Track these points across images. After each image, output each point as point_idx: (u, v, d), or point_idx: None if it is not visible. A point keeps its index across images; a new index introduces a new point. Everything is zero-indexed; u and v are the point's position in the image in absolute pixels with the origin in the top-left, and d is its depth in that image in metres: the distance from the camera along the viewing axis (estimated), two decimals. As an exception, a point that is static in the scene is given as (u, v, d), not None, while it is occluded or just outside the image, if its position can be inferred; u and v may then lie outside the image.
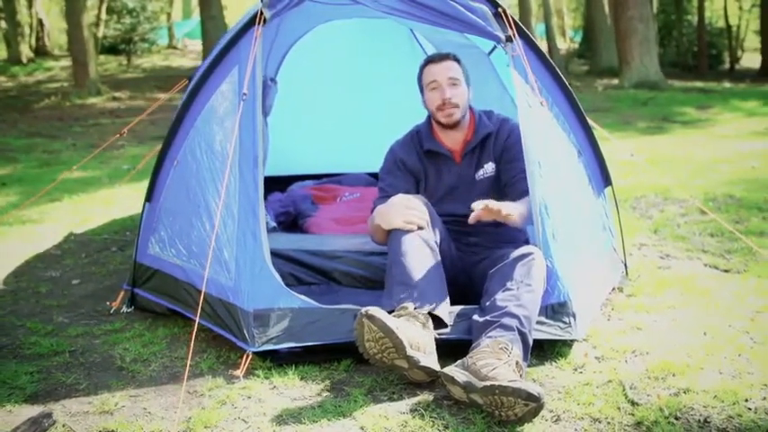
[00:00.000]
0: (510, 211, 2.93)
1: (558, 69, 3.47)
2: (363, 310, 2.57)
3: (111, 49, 22.28)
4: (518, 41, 3.20)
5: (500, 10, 3.23)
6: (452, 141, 3.31)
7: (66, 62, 21.37)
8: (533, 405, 2.33)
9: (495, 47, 4.10)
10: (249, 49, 3.11)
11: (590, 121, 3.59)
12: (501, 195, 3.27)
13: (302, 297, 2.90)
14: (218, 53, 3.25)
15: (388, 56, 5.41)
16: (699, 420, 2.40)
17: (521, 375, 2.52)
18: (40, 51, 23.23)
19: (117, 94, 14.68)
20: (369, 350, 2.59)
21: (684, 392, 2.57)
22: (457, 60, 3.28)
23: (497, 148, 3.31)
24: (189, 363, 2.58)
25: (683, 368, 2.75)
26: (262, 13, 3.11)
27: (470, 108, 3.36)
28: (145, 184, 6.44)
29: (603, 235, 3.62)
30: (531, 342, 2.71)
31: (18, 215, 5.46)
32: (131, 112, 12.54)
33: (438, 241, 3.02)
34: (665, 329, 3.16)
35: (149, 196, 3.45)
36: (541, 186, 3.06)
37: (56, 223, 5.28)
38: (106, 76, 17.37)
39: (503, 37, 3.20)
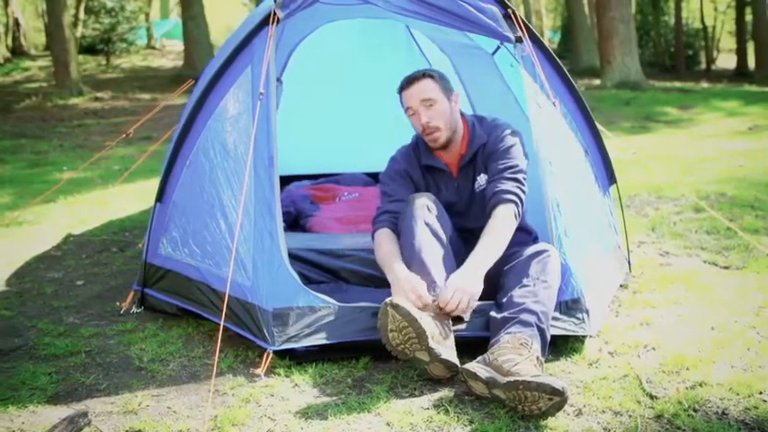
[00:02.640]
0: (478, 285, 2.78)
1: (565, 69, 3.52)
2: (388, 299, 2.61)
3: (88, 49, 22.09)
4: (528, 42, 3.25)
5: (509, 11, 3.27)
6: (449, 156, 3.25)
7: (44, 62, 21.18)
8: (557, 399, 2.36)
9: (498, 47, 4.14)
10: (262, 50, 3.13)
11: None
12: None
13: (320, 295, 2.92)
14: (230, 54, 3.25)
15: (385, 57, 5.43)
16: (717, 413, 2.45)
17: (541, 370, 2.56)
18: (17, 51, 22.99)
19: (99, 95, 14.55)
20: (392, 341, 2.62)
21: (700, 386, 2.63)
22: (430, 76, 3.15)
23: (485, 157, 3.22)
24: (216, 360, 2.59)
25: (695, 362, 2.81)
26: (275, 13, 3.13)
27: (464, 117, 3.28)
28: (138, 185, 6.54)
29: (609, 232, 3.68)
30: (548, 338, 2.75)
31: (13, 216, 5.41)
32: (115, 113, 12.46)
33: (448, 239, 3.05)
34: (673, 325, 3.22)
35: (160, 196, 3.44)
36: (553, 185, 3.11)
37: (52, 224, 5.25)
38: (85, 77, 17.20)
39: (513, 38, 3.24)
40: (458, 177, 3.25)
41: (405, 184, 3.24)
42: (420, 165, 3.27)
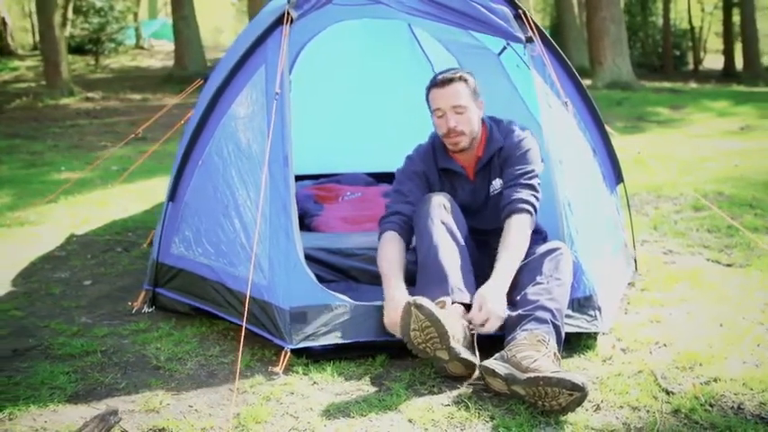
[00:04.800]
0: (501, 302, 2.79)
1: (573, 69, 3.56)
2: (411, 299, 2.63)
3: (76, 49, 21.95)
4: (539, 42, 3.28)
5: (520, 12, 3.31)
6: (465, 159, 3.26)
7: (32, 62, 21.05)
8: (578, 395, 2.39)
9: (504, 47, 4.18)
10: (276, 49, 3.15)
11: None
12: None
13: (336, 294, 2.94)
14: (242, 54, 3.26)
15: (388, 57, 5.46)
16: (733, 407, 2.49)
17: (559, 366, 2.59)
18: (4, 51, 22.77)
19: (90, 95, 14.47)
20: (413, 339, 2.64)
21: (714, 381, 2.67)
22: (464, 80, 3.14)
23: (501, 161, 3.23)
24: (240, 359, 2.59)
25: (708, 358, 2.85)
26: (288, 13, 3.15)
27: (483, 121, 3.26)
28: (137, 185, 6.54)
29: (617, 231, 3.72)
30: (563, 335, 2.78)
31: (14, 217, 5.40)
32: (107, 113, 12.42)
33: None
34: (682, 322, 3.26)
35: (172, 196, 3.44)
36: (564, 184, 3.14)
37: (54, 225, 5.23)
38: (75, 77, 17.08)
39: (523, 38, 3.27)
40: (474, 180, 3.27)
41: (420, 186, 3.24)
42: (437, 167, 3.28)
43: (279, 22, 3.19)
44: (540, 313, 2.74)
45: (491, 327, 2.77)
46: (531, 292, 2.83)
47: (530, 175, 3.11)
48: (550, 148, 3.19)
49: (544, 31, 3.39)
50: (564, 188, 3.15)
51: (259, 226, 2.90)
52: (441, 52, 4.96)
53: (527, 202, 3.05)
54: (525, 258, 2.98)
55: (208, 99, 3.38)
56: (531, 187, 3.09)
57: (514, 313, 2.79)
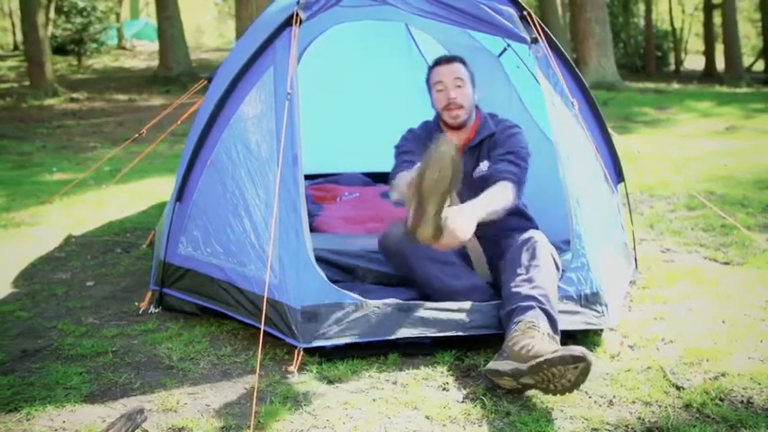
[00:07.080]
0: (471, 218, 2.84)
1: (576, 69, 3.60)
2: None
3: (58, 50, 21.77)
4: (544, 43, 3.32)
5: (525, 13, 3.35)
6: (457, 137, 3.41)
7: (13, 62, 20.90)
8: (582, 365, 2.42)
9: (504, 49, 4.22)
10: (285, 50, 3.17)
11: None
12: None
13: (347, 292, 2.96)
14: (251, 55, 3.27)
15: (385, 58, 5.48)
16: (742, 402, 2.54)
17: (557, 345, 2.63)
18: (-15, 51, 22.61)
19: (75, 96, 14.37)
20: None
21: (723, 376, 2.72)
22: (463, 63, 3.42)
23: (491, 146, 3.39)
24: (259, 359, 2.61)
25: (714, 354, 2.90)
26: (297, 14, 3.17)
27: (478, 110, 3.47)
28: (131, 185, 6.52)
29: (618, 229, 3.77)
30: (556, 317, 2.80)
31: (9, 218, 5.36)
32: (94, 114, 12.35)
33: None
34: (685, 319, 3.31)
35: (180, 196, 3.44)
36: (573, 180, 3.19)
37: (51, 226, 5.20)
38: (58, 77, 16.97)
39: (529, 39, 3.31)
40: (462, 157, 3.36)
41: (419, 148, 3.34)
42: (433, 137, 3.34)
43: (287, 23, 3.20)
44: (523, 303, 2.80)
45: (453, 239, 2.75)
46: (513, 285, 2.89)
47: (517, 154, 3.26)
48: (558, 145, 3.23)
49: (549, 32, 3.43)
50: (573, 183, 3.19)
51: (274, 226, 2.91)
52: (438, 53, 4.97)
53: (512, 173, 3.19)
54: (506, 250, 3.07)
55: (215, 100, 3.38)
56: (518, 165, 3.24)
57: (504, 311, 2.86)
